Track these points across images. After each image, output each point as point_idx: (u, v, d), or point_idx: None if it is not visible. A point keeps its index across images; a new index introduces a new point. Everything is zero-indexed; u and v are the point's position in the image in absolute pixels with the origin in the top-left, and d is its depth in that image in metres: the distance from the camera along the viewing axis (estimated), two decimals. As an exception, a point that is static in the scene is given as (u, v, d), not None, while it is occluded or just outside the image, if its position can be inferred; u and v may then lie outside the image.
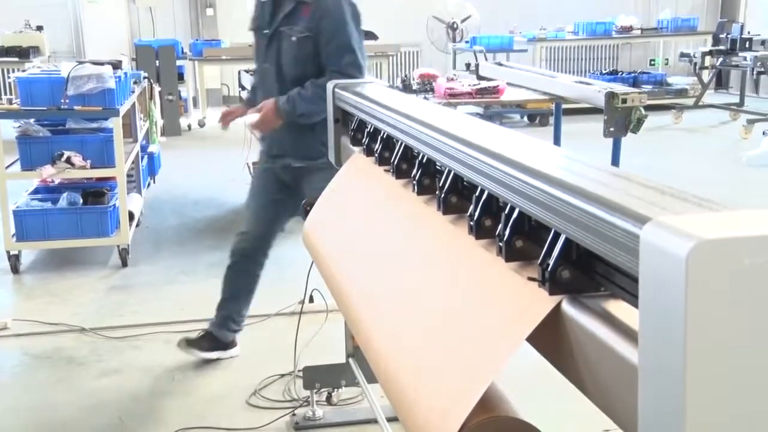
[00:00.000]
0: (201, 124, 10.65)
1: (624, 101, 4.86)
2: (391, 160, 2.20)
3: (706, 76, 10.88)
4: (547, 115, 9.93)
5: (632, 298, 1.10)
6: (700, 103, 10.52)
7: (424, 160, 1.96)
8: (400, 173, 2.15)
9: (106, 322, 4.25)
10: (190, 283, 4.84)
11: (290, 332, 3.29)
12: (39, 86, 5.08)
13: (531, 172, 1.33)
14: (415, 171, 1.99)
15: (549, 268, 1.25)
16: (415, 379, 1.50)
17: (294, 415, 3.17)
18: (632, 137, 5.22)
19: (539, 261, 1.28)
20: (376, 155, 2.36)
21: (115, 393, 3.42)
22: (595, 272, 1.23)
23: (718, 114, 10.64)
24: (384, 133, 2.32)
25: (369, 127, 2.48)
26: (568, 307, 1.24)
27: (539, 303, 1.25)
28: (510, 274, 1.39)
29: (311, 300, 3.81)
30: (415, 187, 1.97)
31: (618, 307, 1.18)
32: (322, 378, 3.15)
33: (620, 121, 4.95)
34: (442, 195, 1.77)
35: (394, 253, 1.94)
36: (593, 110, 5.36)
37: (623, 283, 1.14)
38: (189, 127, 10.64)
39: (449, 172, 1.77)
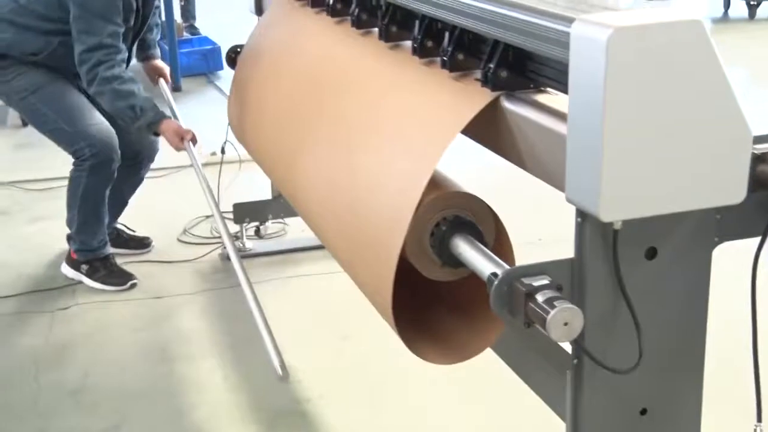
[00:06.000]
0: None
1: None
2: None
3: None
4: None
5: (562, 86, 1.41)
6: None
7: (361, -4, 2.17)
8: (335, 12, 2.35)
9: (21, 176, 4.33)
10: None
11: (210, 180, 3.49)
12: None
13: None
14: (353, 7, 2.20)
15: (491, 71, 1.54)
16: (372, 173, 1.78)
17: (225, 248, 3.43)
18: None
19: (481, 65, 1.57)
20: (309, -4, 2.53)
21: (47, 236, 3.58)
22: (528, 71, 1.53)
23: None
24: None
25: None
26: (506, 102, 1.54)
27: (481, 97, 1.55)
28: (454, 81, 1.68)
29: (223, 152, 3.99)
30: (355, 22, 2.19)
31: (548, 98, 1.50)
32: (250, 213, 3.42)
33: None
34: (384, 24, 2.01)
35: (337, 81, 2.17)
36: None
37: (554, 75, 1.45)
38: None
39: (389, 4, 2.00)
